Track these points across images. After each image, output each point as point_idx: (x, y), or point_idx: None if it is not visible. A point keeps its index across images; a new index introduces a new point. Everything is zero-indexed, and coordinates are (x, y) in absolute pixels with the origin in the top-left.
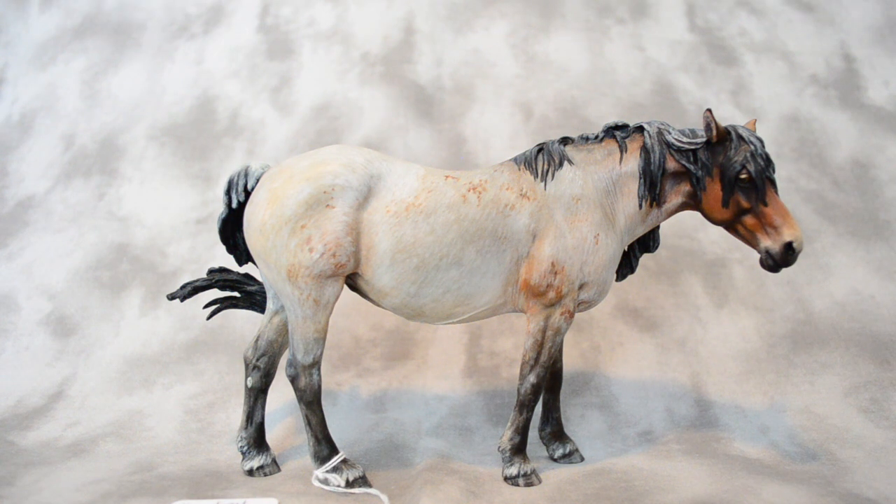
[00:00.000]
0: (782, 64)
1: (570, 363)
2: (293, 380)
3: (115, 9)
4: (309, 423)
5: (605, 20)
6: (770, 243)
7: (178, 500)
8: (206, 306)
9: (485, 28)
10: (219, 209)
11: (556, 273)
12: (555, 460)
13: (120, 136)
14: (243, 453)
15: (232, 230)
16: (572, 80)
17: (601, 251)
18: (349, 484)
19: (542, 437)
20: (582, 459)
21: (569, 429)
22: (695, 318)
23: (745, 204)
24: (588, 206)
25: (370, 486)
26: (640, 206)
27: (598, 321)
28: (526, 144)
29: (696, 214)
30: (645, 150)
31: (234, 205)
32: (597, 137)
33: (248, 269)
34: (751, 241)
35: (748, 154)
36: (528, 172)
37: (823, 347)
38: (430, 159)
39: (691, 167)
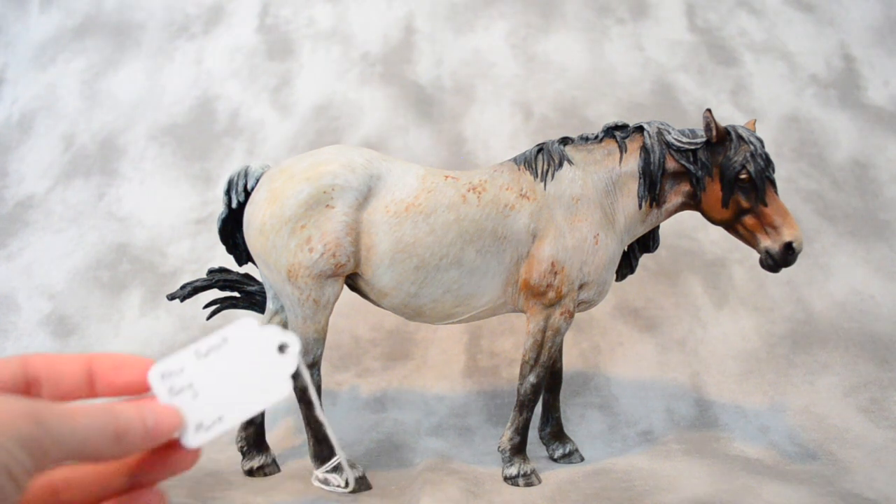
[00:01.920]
0: (782, 64)
1: (570, 363)
2: (293, 380)
3: (115, 9)
4: (309, 424)
5: (605, 20)
6: (770, 243)
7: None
8: (206, 306)
9: (485, 28)
10: (219, 209)
11: (555, 273)
12: (555, 460)
13: (120, 136)
14: (243, 453)
15: (232, 230)
16: (572, 80)
17: (601, 251)
18: (349, 484)
19: (542, 437)
20: (582, 459)
21: (569, 429)
22: (695, 318)
23: (744, 204)
24: (588, 206)
25: (370, 486)
26: (640, 206)
27: (598, 321)
28: (526, 144)
29: (696, 214)
30: (644, 150)
31: (234, 205)
32: (596, 137)
33: (248, 269)
34: (751, 242)
35: (748, 154)
36: (527, 172)
37: (823, 347)
38: (430, 159)
39: (691, 167)
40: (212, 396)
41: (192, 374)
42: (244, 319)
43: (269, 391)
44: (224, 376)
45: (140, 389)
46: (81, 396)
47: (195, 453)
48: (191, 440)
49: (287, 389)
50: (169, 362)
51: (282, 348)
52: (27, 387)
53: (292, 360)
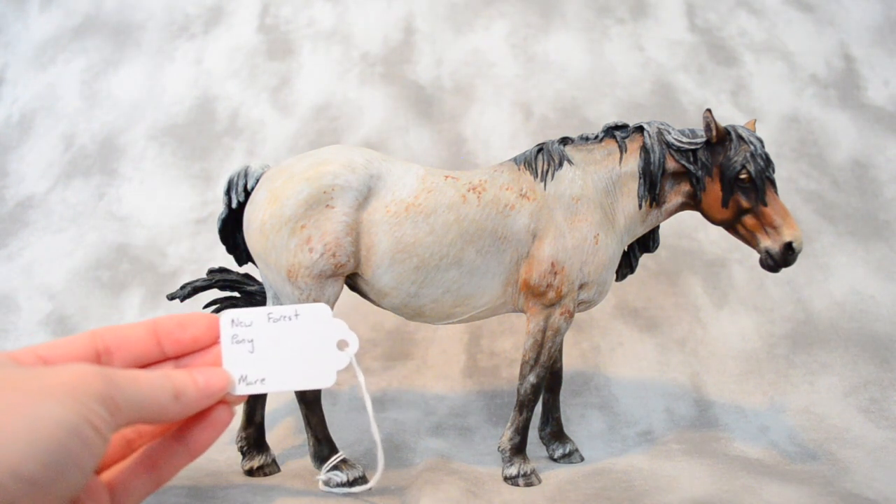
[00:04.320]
0: (782, 64)
1: (570, 363)
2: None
3: (115, 9)
4: (309, 423)
5: (605, 20)
6: (770, 243)
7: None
8: (206, 306)
9: (485, 28)
10: (219, 209)
11: (555, 273)
12: (555, 460)
13: (120, 136)
14: (243, 453)
15: (232, 230)
16: (572, 80)
17: (601, 251)
18: (349, 483)
19: (541, 437)
20: (582, 459)
21: (569, 429)
22: (695, 318)
23: (744, 204)
24: (588, 206)
25: (369, 486)
26: (640, 206)
27: (598, 321)
28: (526, 144)
29: (696, 214)
30: (645, 150)
31: (234, 205)
32: (596, 137)
33: (248, 269)
34: (751, 242)
35: (748, 154)
36: (527, 172)
37: (823, 347)
38: (430, 159)
39: (691, 167)
40: (265, 358)
41: (257, 331)
42: (321, 304)
43: (316, 377)
44: (283, 346)
45: (205, 343)
46: (152, 358)
47: (230, 413)
48: (232, 390)
49: (332, 381)
50: (242, 313)
51: (341, 344)
52: (97, 358)
53: (346, 358)
